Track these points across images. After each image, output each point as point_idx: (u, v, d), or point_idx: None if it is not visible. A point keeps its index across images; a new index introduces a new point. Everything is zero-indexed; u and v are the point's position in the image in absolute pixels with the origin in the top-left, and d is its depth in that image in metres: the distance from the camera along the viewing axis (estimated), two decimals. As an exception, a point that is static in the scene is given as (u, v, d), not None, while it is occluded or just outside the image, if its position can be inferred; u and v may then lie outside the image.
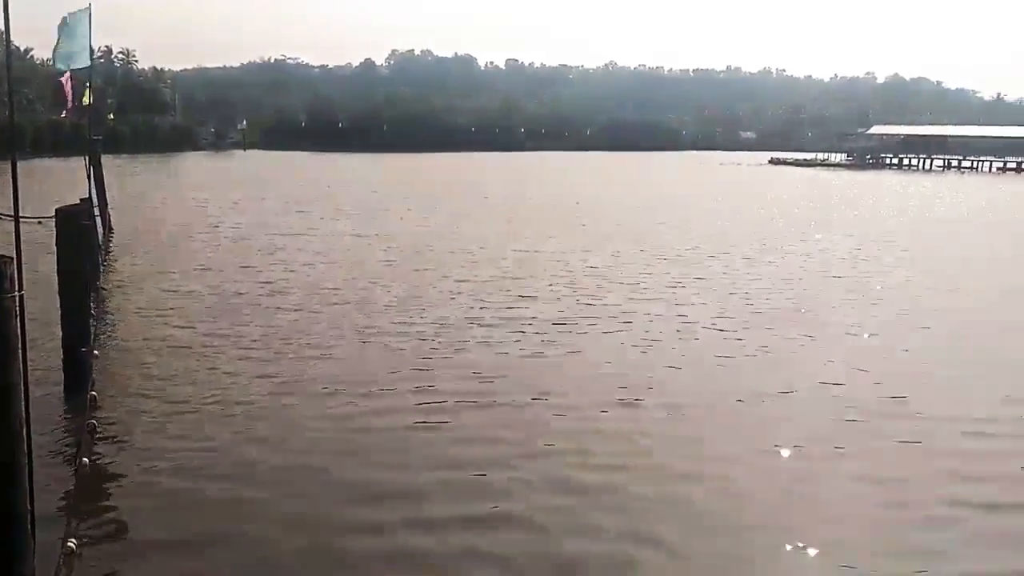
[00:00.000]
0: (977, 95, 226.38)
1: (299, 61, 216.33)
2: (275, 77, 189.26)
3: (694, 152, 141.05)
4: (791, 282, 18.64)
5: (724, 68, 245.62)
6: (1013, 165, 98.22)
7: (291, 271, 18.63)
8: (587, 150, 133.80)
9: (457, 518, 7.05)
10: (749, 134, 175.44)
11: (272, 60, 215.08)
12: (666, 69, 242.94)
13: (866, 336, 13.88)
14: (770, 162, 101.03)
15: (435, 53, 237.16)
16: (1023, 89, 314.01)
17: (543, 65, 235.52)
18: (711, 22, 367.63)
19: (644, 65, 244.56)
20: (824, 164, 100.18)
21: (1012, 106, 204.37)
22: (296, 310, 14.59)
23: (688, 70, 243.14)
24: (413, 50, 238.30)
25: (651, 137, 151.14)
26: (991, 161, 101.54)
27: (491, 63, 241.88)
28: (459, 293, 16.44)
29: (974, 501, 7.66)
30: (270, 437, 8.70)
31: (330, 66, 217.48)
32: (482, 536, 6.79)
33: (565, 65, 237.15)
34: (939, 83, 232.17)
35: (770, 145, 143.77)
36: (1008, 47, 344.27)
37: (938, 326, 14.69)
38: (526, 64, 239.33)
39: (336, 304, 15.22)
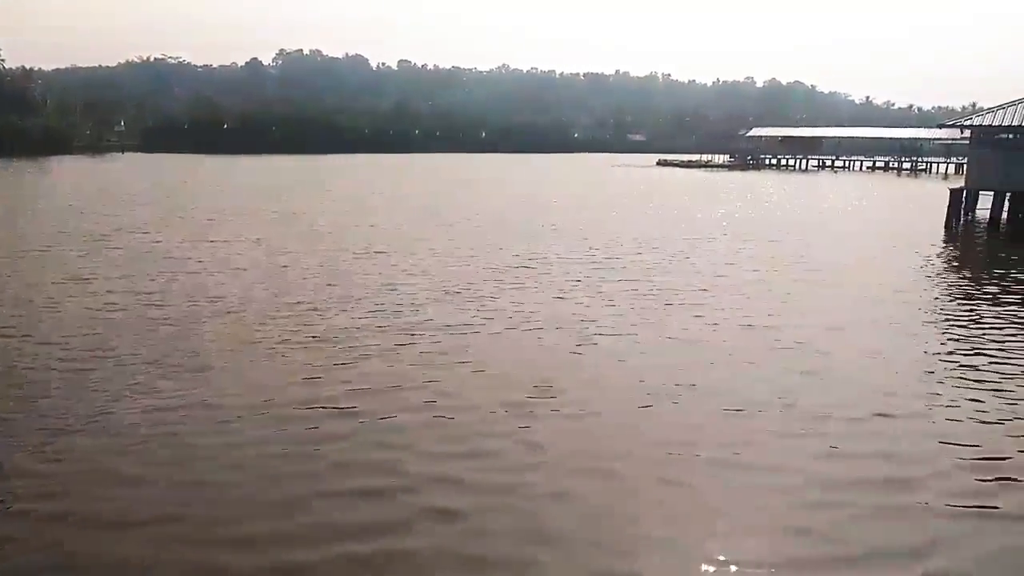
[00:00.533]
0: (848, 98, 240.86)
1: (181, 60, 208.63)
2: (155, 76, 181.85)
3: (589, 154, 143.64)
4: (677, 276, 19.19)
5: (613, 72, 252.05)
6: (881, 164, 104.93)
7: (175, 280, 17.80)
8: (482, 152, 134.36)
9: (343, 556, 6.67)
10: (639, 136, 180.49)
11: (151, 59, 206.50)
12: (558, 72, 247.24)
13: (753, 330, 14.30)
14: (658, 163, 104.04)
15: (325, 53, 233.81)
16: (890, 93, 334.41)
17: (436, 67, 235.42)
18: (600, 27, 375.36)
19: (537, 68, 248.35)
20: (708, 165, 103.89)
21: (879, 109, 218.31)
22: (170, 324, 13.88)
23: (579, 74, 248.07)
24: (302, 50, 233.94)
25: (545, 138, 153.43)
26: (861, 160, 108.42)
27: (383, 64, 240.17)
28: (348, 299, 16.14)
29: (857, 502, 7.72)
30: (140, 467, 8.17)
31: (214, 66, 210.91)
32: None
33: (458, 67, 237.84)
34: (813, 87, 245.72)
35: (659, 147, 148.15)
36: (873, 52, 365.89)
37: (819, 322, 15.33)
38: (419, 65, 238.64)
39: (218, 315, 14.63)
